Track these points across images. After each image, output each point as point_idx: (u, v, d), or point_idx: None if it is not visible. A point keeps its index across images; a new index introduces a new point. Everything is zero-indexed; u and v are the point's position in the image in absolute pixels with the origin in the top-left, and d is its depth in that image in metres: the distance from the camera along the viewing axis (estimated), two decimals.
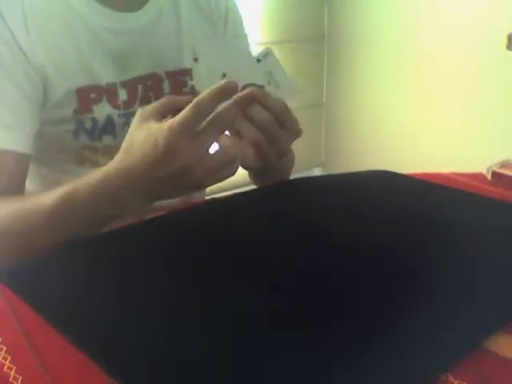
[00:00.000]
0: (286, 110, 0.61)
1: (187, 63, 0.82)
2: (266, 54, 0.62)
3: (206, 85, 0.56)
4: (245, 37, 0.92)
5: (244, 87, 0.61)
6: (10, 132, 0.69)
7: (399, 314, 0.49)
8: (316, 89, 2.53)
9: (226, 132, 0.61)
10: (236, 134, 0.63)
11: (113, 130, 0.77)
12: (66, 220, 0.61)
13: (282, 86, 0.63)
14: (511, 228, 0.67)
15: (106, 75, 0.76)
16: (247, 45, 0.93)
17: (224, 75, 0.62)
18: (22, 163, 0.71)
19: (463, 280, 0.54)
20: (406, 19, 2.16)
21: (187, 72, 0.83)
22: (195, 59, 0.64)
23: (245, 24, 0.93)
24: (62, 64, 0.73)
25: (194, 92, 0.84)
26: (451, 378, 0.41)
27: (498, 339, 0.45)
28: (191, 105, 0.54)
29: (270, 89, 0.62)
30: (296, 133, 0.63)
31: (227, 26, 0.88)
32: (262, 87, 0.62)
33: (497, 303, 0.51)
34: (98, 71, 0.75)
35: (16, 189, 0.70)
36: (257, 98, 0.60)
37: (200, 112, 0.54)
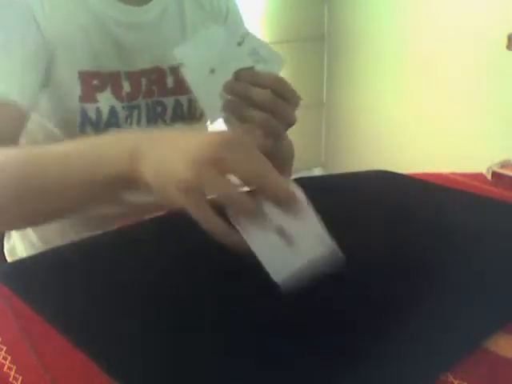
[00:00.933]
0: (280, 80, 0.62)
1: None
2: (244, 35, 0.61)
3: (194, 81, 0.56)
4: None
5: (235, 75, 0.61)
6: (13, 86, 0.69)
7: (399, 314, 0.49)
8: (316, 89, 2.53)
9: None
10: (241, 119, 0.63)
11: (117, 122, 0.78)
12: (69, 167, 0.57)
13: (269, 61, 0.62)
14: (511, 228, 0.67)
15: (111, 64, 0.77)
16: None
17: (212, 70, 0.62)
18: (19, 118, 0.70)
19: (463, 280, 0.54)
20: (406, 19, 2.16)
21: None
22: (180, 64, 0.64)
23: (244, 25, 0.94)
24: (68, 45, 0.74)
25: None
26: (451, 378, 0.41)
27: (498, 339, 0.45)
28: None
29: (259, 67, 0.62)
30: (296, 100, 0.63)
31: (227, 24, 0.88)
32: (251, 68, 0.61)
33: (497, 303, 0.51)
34: (102, 59, 0.77)
35: (8, 141, 0.67)
36: (248, 80, 0.60)
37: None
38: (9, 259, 0.93)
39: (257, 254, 0.48)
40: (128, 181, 0.52)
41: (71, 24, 0.74)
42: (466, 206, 0.74)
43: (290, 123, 0.63)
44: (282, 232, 0.47)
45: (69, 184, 0.56)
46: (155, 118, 0.81)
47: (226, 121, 0.68)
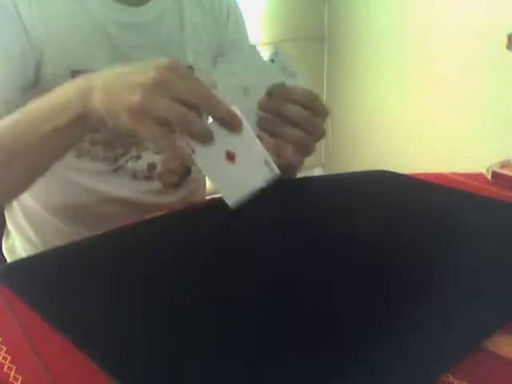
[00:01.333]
0: (311, 94, 0.62)
1: (190, 59, 0.83)
2: (277, 53, 0.62)
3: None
4: (246, 41, 0.93)
5: (268, 91, 0.61)
6: None
7: (399, 314, 0.49)
8: (316, 89, 2.53)
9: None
10: (274, 136, 0.64)
11: None
12: (32, 121, 0.61)
13: (296, 75, 0.63)
14: (511, 228, 0.67)
15: (106, 65, 0.76)
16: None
17: (246, 90, 0.62)
18: None
19: (463, 280, 0.54)
20: (406, 19, 2.16)
21: (188, 68, 0.83)
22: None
23: (246, 24, 0.94)
24: (60, 44, 0.73)
25: None
26: (451, 378, 0.41)
27: (498, 339, 0.45)
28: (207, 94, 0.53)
29: (289, 82, 0.62)
30: (326, 112, 0.64)
31: (228, 23, 0.89)
32: (282, 84, 0.61)
33: (497, 303, 0.51)
34: (98, 59, 0.76)
35: None
36: (281, 96, 0.60)
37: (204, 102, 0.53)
38: (8, 258, 0.93)
39: (210, 179, 0.54)
40: (87, 120, 0.57)
41: (65, 24, 0.73)
42: (466, 205, 0.74)
43: (320, 137, 0.64)
44: (231, 155, 0.54)
45: (38, 137, 0.60)
46: None
47: (259, 137, 0.69)
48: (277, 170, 0.54)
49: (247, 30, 0.94)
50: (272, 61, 0.61)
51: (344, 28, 2.42)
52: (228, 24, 0.89)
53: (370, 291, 0.53)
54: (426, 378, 0.42)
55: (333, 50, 2.49)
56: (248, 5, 1.99)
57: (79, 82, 0.58)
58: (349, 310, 0.50)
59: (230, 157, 0.54)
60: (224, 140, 0.53)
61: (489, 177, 0.84)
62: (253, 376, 0.42)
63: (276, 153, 0.65)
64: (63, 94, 0.59)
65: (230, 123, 0.53)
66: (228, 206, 0.54)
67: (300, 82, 0.63)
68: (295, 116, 0.60)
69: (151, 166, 0.83)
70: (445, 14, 2.02)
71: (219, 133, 0.53)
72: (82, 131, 0.61)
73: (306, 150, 0.63)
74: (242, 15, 0.93)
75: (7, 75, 0.71)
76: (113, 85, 0.54)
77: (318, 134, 0.63)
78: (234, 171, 0.54)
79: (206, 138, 0.53)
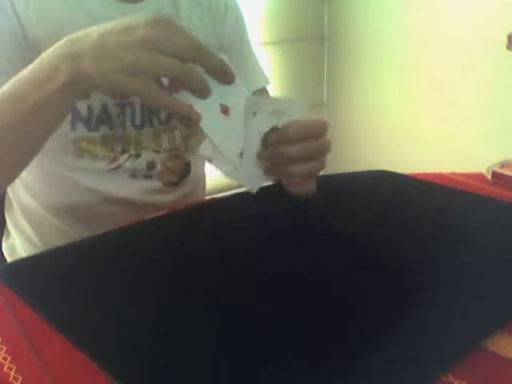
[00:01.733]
0: (304, 126, 0.61)
1: None
2: (259, 104, 0.59)
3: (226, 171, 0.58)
4: (246, 37, 0.93)
5: (262, 142, 0.59)
6: None
7: (399, 314, 0.49)
8: (316, 89, 2.53)
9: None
10: (286, 177, 0.67)
11: (109, 120, 0.78)
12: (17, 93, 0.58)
13: (290, 111, 0.60)
14: (511, 228, 0.67)
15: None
16: (248, 47, 0.93)
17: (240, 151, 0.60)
18: None
19: (463, 280, 0.54)
20: (406, 19, 2.16)
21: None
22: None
23: (245, 21, 0.93)
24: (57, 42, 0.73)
25: None
26: (451, 378, 0.41)
27: (498, 339, 0.45)
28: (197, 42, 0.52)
29: (283, 121, 0.59)
30: (325, 129, 0.63)
31: (226, 20, 0.88)
32: (275, 127, 0.59)
33: (497, 303, 0.51)
34: None
35: None
36: (276, 142, 0.60)
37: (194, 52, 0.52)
38: (8, 258, 0.93)
39: (210, 135, 0.55)
40: (78, 85, 0.55)
41: (62, 22, 0.73)
42: (466, 205, 0.74)
43: (327, 152, 0.64)
44: (225, 109, 0.55)
45: (28, 109, 0.57)
46: (150, 115, 0.81)
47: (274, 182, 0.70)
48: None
49: (248, 31, 0.94)
50: (254, 114, 0.58)
51: (344, 28, 2.42)
52: (225, 21, 0.88)
53: (370, 291, 0.53)
54: (426, 378, 0.42)
55: (333, 50, 2.49)
56: (248, 5, 1.99)
57: (63, 47, 0.56)
58: (349, 310, 0.50)
59: (224, 110, 0.54)
60: (216, 94, 0.53)
61: (489, 177, 0.84)
62: (253, 376, 0.42)
63: (296, 190, 0.68)
64: (47, 62, 0.56)
65: (223, 74, 0.53)
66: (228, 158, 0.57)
67: (296, 114, 0.60)
68: (298, 155, 0.60)
69: (150, 165, 0.83)
70: (445, 13, 2.02)
71: (211, 85, 0.53)
72: (72, 98, 0.59)
73: (317, 173, 0.65)
74: (242, 16, 0.93)
75: (5, 70, 0.71)
76: (103, 48, 0.53)
77: (325, 152, 0.63)
78: (231, 125, 0.54)
79: (205, 89, 0.52)
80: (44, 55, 0.57)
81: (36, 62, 0.58)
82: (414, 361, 0.43)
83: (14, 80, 0.59)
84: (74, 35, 0.56)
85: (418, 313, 0.49)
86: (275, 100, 0.62)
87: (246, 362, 0.43)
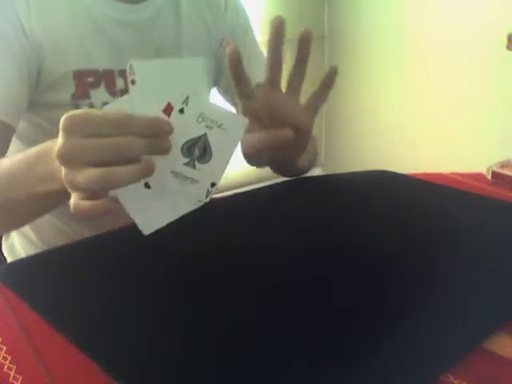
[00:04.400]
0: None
1: (185, 54, 0.84)
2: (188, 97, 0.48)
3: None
4: (249, 29, 0.93)
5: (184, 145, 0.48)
6: None
7: (399, 314, 0.49)
8: (316, 88, 2.53)
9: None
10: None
11: None
12: (16, 183, 0.59)
13: (228, 126, 0.49)
14: (511, 228, 0.67)
15: (104, 62, 0.77)
16: (253, 38, 0.93)
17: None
18: (5, 135, 0.71)
19: (463, 280, 0.54)
20: (406, 19, 2.16)
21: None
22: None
23: (247, 14, 0.93)
24: (59, 45, 0.74)
25: None
26: (451, 378, 0.41)
27: (498, 339, 0.45)
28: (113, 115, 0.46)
29: (214, 133, 0.49)
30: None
31: (226, 15, 0.89)
32: (203, 136, 0.48)
33: (497, 303, 0.51)
34: (96, 57, 0.76)
35: None
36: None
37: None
38: (8, 258, 0.93)
39: (126, 208, 0.49)
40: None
41: (64, 24, 0.74)
42: (466, 205, 0.74)
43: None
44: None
45: (17, 198, 0.59)
46: None
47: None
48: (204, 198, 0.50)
49: (251, 24, 0.94)
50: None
51: (344, 28, 2.42)
52: (226, 17, 0.88)
53: (370, 291, 0.53)
54: (426, 378, 0.42)
55: (333, 50, 2.49)
56: (248, 5, 1.99)
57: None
58: (348, 310, 0.50)
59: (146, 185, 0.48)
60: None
61: (489, 177, 0.84)
62: (253, 376, 0.42)
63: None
64: (41, 166, 0.55)
65: (158, 134, 0.46)
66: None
67: (228, 128, 0.49)
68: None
69: None
70: (445, 13, 2.02)
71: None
72: (65, 198, 0.53)
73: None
74: (244, 10, 0.93)
75: (12, 74, 0.71)
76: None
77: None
78: (152, 199, 0.48)
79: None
80: (41, 157, 0.55)
81: (33, 159, 0.56)
82: (414, 361, 0.43)
83: (15, 162, 0.60)
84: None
85: (418, 313, 0.49)
86: (218, 109, 0.50)
87: (246, 362, 0.43)
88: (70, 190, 0.47)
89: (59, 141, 0.45)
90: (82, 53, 0.75)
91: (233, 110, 0.87)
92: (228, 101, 0.93)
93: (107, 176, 0.44)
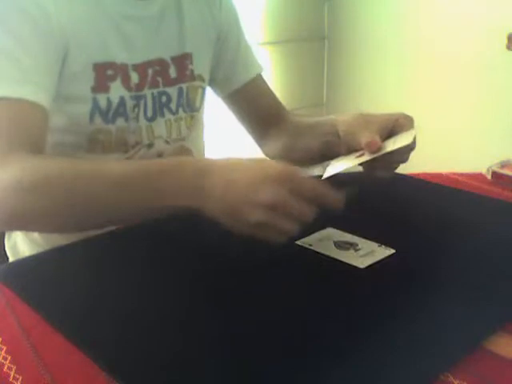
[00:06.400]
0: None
1: (188, 47, 0.86)
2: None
3: None
4: (240, 22, 0.96)
5: None
6: (35, 86, 0.70)
7: (400, 314, 0.49)
8: (316, 89, 2.53)
9: None
10: None
11: (124, 112, 0.80)
12: (130, 194, 0.60)
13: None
14: (511, 227, 0.67)
15: (120, 56, 0.79)
16: (243, 30, 0.96)
17: None
18: (43, 119, 0.72)
19: (463, 280, 0.54)
20: (406, 19, 2.16)
21: (188, 56, 0.87)
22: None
23: (238, 11, 0.96)
24: (81, 38, 0.75)
25: (193, 76, 0.87)
26: (451, 378, 0.41)
27: (498, 339, 0.45)
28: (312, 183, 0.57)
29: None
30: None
31: (221, 11, 0.92)
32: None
33: (497, 303, 0.51)
34: (114, 51, 0.79)
35: (35, 146, 0.69)
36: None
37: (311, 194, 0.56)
38: (10, 257, 0.92)
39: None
40: (190, 210, 0.56)
41: (83, 18, 0.76)
42: (467, 205, 0.74)
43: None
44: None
45: (124, 207, 0.60)
46: (161, 107, 0.83)
47: None
48: None
49: (241, 21, 0.96)
50: None
51: (344, 28, 2.42)
52: (221, 12, 0.91)
53: (371, 290, 0.53)
54: (426, 378, 0.42)
55: (333, 50, 2.49)
56: (248, 5, 1.99)
57: (188, 177, 0.58)
58: (349, 311, 0.50)
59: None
60: None
61: (489, 177, 0.84)
62: (253, 376, 0.42)
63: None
64: (167, 182, 0.58)
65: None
66: None
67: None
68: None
69: (160, 155, 0.85)
70: (445, 13, 2.01)
71: None
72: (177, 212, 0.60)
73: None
74: (235, 7, 0.96)
75: (48, 61, 0.72)
76: (230, 198, 0.55)
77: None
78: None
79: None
80: (167, 172, 0.59)
81: (156, 174, 0.60)
82: (415, 361, 0.43)
83: (130, 169, 0.62)
84: (204, 170, 0.57)
85: (418, 313, 0.49)
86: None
87: (246, 362, 0.43)
88: (256, 228, 0.54)
89: (269, 190, 0.53)
90: (101, 46, 0.77)
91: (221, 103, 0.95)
92: (218, 94, 0.96)
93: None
